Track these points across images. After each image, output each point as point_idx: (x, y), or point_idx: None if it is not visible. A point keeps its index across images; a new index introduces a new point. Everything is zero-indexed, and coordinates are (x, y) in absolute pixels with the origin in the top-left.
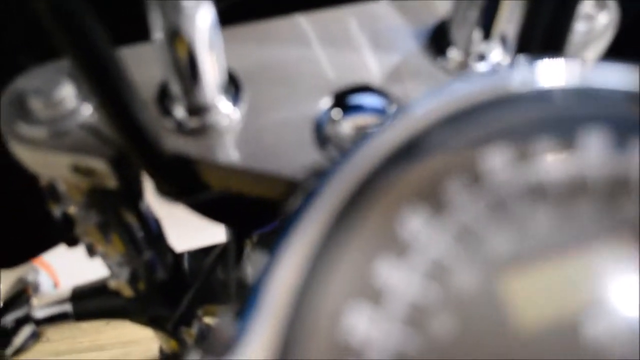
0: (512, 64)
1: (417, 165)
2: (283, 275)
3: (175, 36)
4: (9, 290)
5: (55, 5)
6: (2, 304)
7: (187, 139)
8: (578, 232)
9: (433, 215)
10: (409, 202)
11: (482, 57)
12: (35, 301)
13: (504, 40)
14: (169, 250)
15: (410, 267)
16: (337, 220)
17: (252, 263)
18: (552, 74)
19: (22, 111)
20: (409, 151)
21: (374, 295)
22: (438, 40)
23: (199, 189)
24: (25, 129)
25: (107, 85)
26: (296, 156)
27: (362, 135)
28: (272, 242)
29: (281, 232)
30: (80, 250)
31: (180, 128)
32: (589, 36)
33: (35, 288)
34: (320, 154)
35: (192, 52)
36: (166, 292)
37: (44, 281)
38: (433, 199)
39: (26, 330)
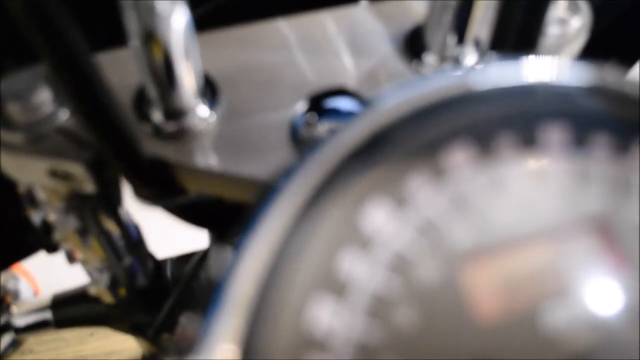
0: (478, 63)
1: (380, 161)
2: (246, 270)
3: (150, 38)
4: None
5: (30, 6)
6: None
7: (165, 142)
8: (538, 225)
9: (396, 209)
10: (372, 197)
11: (456, 61)
12: (15, 309)
13: (477, 44)
14: (150, 256)
15: (373, 260)
16: (301, 215)
17: (216, 261)
18: (513, 71)
19: (0, 116)
20: (373, 147)
21: (337, 288)
22: (413, 44)
23: (176, 192)
24: (2, 134)
25: (84, 90)
26: (272, 159)
27: (328, 132)
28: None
29: (245, 228)
30: (60, 258)
31: (158, 132)
32: (562, 39)
33: (15, 296)
34: (296, 157)
35: (168, 55)
36: (147, 298)
37: (24, 289)
38: (396, 193)
39: (6, 339)
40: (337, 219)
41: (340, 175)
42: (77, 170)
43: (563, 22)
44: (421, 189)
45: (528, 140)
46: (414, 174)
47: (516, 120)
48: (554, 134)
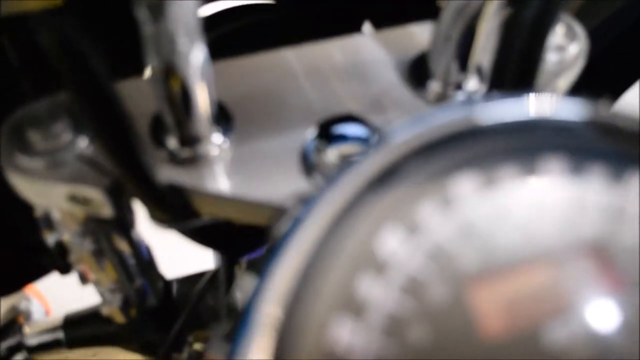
0: (483, 97)
1: (393, 191)
2: (273, 293)
3: (170, 73)
4: (1, 319)
5: (62, 42)
6: None
7: (180, 168)
8: (539, 249)
9: (408, 235)
10: (386, 224)
11: (459, 87)
12: (27, 329)
13: (479, 71)
14: (160, 277)
15: (388, 283)
16: (322, 241)
17: (241, 286)
18: (515, 107)
19: (21, 143)
20: (386, 178)
21: (356, 308)
22: (418, 71)
23: (190, 216)
24: (23, 161)
25: (106, 119)
26: (284, 184)
27: (344, 163)
28: (260, 266)
29: (270, 254)
30: (71, 278)
31: (173, 158)
32: (560, 65)
33: (28, 316)
34: (306, 182)
35: (186, 88)
36: (157, 318)
37: (36, 309)
38: (408, 220)
39: (18, 358)
40: (355, 245)
41: (356, 205)
42: (96, 195)
43: (561, 48)
44: (431, 217)
45: (529, 170)
46: (424, 202)
47: (518, 152)
48: (553, 165)
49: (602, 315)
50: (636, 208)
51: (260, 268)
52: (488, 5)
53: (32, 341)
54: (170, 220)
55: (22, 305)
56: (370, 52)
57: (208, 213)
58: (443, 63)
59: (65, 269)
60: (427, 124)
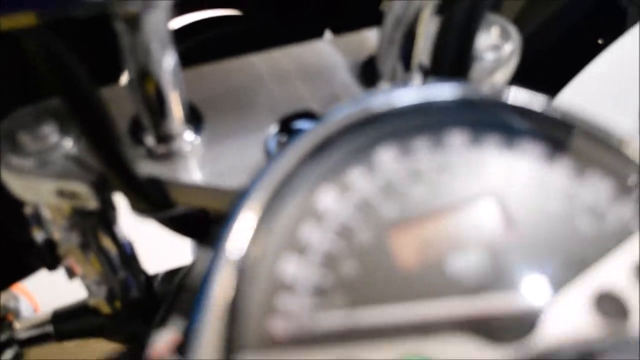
0: (402, 84)
1: (329, 159)
2: (235, 237)
3: (146, 78)
4: None
5: (47, 56)
6: None
7: (157, 163)
8: (446, 200)
9: (341, 193)
10: (324, 184)
11: (405, 85)
12: (17, 325)
13: (422, 69)
14: (142, 271)
15: (324, 228)
16: (272, 200)
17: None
18: (427, 91)
19: (12, 145)
20: (324, 149)
21: (300, 248)
22: (368, 72)
23: (168, 205)
24: (15, 160)
25: (92, 121)
26: (249, 174)
27: (292, 137)
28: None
29: (231, 210)
30: (58, 276)
31: (151, 154)
32: (496, 63)
33: (17, 314)
34: None
35: (160, 91)
36: (140, 310)
37: (25, 307)
38: (341, 182)
39: (9, 352)
40: (300, 201)
41: (301, 169)
42: (82, 189)
43: (496, 47)
44: (358, 179)
45: (437, 141)
46: (353, 167)
47: (428, 127)
48: (456, 136)
49: (493, 247)
50: (524, 167)
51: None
52: (424, 12)
53: (22, 335)
54: (150, 210)
55: (11, 304)
56: (327, 56)
57: (183, 202)
58: (389, 64)
59: (52, 265)
60: (356, 106)
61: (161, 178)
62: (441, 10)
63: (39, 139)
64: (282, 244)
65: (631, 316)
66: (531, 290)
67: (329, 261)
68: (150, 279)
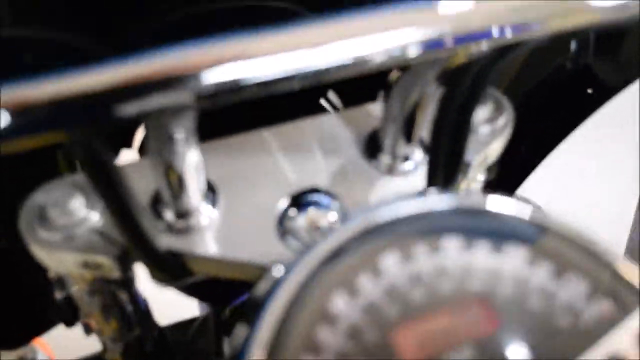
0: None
1: (340, 265)
2: (259, 339)
3: (169, 168)
4: None
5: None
6: None
7: (176, 236)
8: (442, 300)
9: (350, 297)
10: (336, 289)
11: (406, 158)
12: None
13: (422, 143)
14: (155, 325)
15: (336, 330)
16: (293, 301)
17: (234, 334)
18: (426, 202)
19: (40, 219)
20: (335, 256)
21: (315, 349)
22: (372, 145)
23: (186, 275)
24: (43, 234)
25: (116, 200)
26: (262, 246)
27: (310, 242)
28: (247, 317)
29: (256, 309)
30: (74, 331)
31: (170, 228)
32: (491, 136)
33: None
34: (281, 244)
35: (182, 179)
36: None
37: (41, 359)
38: (350, 286)
39: None
40: (315, 303)
41: (317, 274)
42: (106, 261)
43: (491, 120)
44: (366, 283)
45: (433, 247)
46: (361, 273)
47: (425, 234)
48: (451, 242)
49: (486, 344)
50: (510, 269)
51: (248, 319)
52: (430, 91)
53: None
54: (169, 279)
55: (29, 356)
56: (333, 130)
57: (200, 272)
58: (391, 139)
59: (71, 322)
60: (363, 217)
61: (180, 251)
62: (444, 85)
63: (67, 214)
64: (300, 345)
65: None
66: None
67: (341, 357)
68: (162, 331)
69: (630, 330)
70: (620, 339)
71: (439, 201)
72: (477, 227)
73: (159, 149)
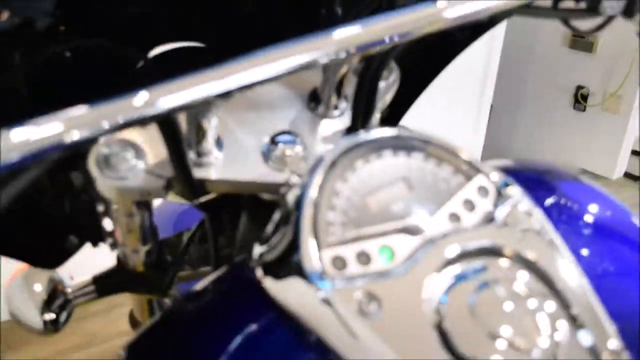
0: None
1: (335, 167)
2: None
3: (198, 127)
4: (46, 287)
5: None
6: (47, 298)
7: (198, 168)
8: (385, 182)
9: (342, 183)
10: (335, 179)
11: (336, 107)
12: (68, 290)
13: (346, 98)
14: (158, 239)
15: (339, 198)
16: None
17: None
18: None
19: (106, 163)
20: (334, 163)
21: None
22: (313, 99)
23: (205, 193)
24: (109, 174)
25: (176, 148)
26: (253, 169)
27: (318, 157)
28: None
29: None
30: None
31: (194, 164)
32: (387, 88)
33: (61, 283)
34: (265, 167)
35: (205, 133)
36: (159, 268)
37: (64, 277)
38: (342, 178)
39: (64, 313)
40: (327, 189)
41: (324, 175)
42: (158, 190)
43: (386, 78)
44: (349, 176)
45: (378, 155)
46: (346, 171)
47: (373, 149)
48: (386, 153)
49: (406, 196)
50: (414, 163)
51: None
52: (351, 66)
53: (72, 297)
54: (194, 197)
55: (55, 276)
56: (289, 89)
57: (214, 191)
58: (326, 95)
59: (97, 241)
60: (344, 142)
61: (201, 177)
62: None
63: (125, 160)
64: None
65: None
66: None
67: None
68: (161, 243)
69: (473, 184)
70: (469, 190)
71: (378, 132)
72: (395, 144)
73: (195, 117)
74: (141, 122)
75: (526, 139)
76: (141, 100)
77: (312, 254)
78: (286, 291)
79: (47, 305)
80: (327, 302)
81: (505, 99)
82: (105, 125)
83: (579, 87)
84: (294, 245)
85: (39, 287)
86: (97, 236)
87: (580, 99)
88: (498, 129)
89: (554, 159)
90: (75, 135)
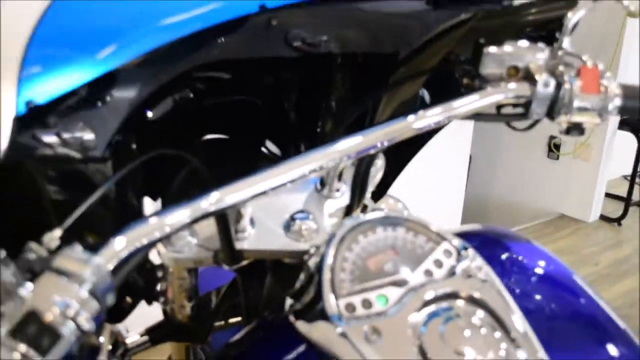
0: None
1: (345, 240)
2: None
3: (238, 213)
4: (109, 339)
5: None
6: (111, 348)
7: (238, 242)
8: (380, 249)
9: (349, 251)
10: (345, 249)
11: (337, 190)
12: (127, 340)
13: (346, 182)
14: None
15: (347, 264)
16: (337, 246)
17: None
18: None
19: (167, 241)
20: (343, 237)
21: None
22: (320, 184)
23: (242, 260)
24: (169, 248)
25: (225, 227)
26: (277, 241)
27: (331, 233)
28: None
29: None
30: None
31: (235, 238)
32: (375, 172)
33: (120, 335)
34: (287, 238)
35: (241, 217)
36: (198, 320)
37: (122, 329)
38: (349, 247)
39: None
40: (339, 256)
41: (337, 245)
42: (208, 259)
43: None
44: (354, 247)
45: (373, 231)
46: (352, 244)
47: (370, 226)
48: (379, 229)
49: (396, 261)
50: (399, 235)
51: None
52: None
53: (130, 346)
54: (234, 263)
55: (114, 329)
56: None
57: (249, 258)
58: (330, 181)
59: (151, 300)
60: (350, 222)
61: (240, 248)
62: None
63: (180, 238)
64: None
65: None
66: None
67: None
68: (200, 299)
69: (440, 248)
70: (437, 253)
71: (372, 215)
72: (384, 222)
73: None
74: (211, 214)
75: (505, 186)
76: (214, 199)
77: (332, 303)
78: (314, 329)
79: (111, 354)
80: (343, 335)
81: (483, 149)
82: (187, 219)
83: (552, 137)
84: (318, 298)
85: (103, 339)
86: (150, 296)
87: (553, 148)
88: (478, 177)
89: (532, 204)
90: (167, 229)
